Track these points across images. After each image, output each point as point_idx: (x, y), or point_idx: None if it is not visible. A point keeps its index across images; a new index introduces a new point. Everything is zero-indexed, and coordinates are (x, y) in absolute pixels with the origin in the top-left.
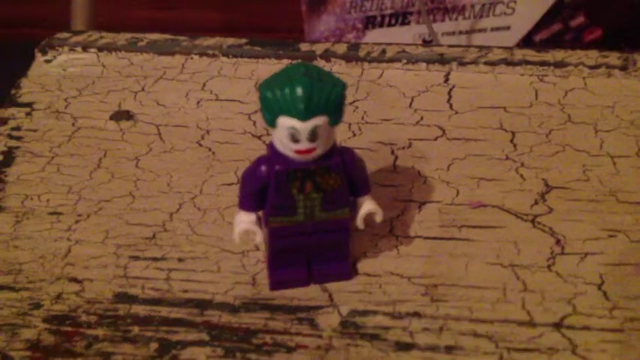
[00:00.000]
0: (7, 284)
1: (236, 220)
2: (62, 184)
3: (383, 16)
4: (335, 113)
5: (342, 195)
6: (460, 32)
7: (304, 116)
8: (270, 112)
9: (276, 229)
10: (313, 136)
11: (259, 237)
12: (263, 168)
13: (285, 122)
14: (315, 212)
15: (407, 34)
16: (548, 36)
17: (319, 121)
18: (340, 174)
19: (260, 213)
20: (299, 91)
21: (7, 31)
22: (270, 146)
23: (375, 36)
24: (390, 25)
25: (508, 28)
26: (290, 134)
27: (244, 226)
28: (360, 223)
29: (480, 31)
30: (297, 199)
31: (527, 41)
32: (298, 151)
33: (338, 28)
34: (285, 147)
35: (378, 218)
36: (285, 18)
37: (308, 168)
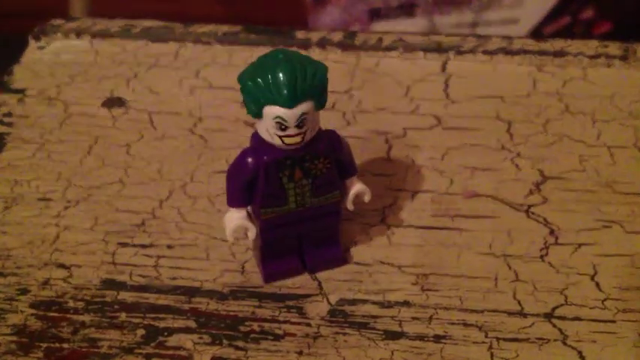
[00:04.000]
0: None
1: (226, 218)
2: (52, 171)
3: (388, 8)
4: (320, 97)
5: (331, 179)
6: (467, 25)
7: (291, 103)
8: (255, 102)
9: (268, 221)
10: (301, 122)
11: (252, 232)
12: (250, 160)
13: (271, 111)
14: (305, 199)
15: (412, 27)
16: (556, 29)
17: (306, 107)
18: (329, 158)
19: (249, 208)
20: (283, 77)
21: (1, 21)
22: (254, 137)
23: (380, 28)
24: (395, 17)
25: (516, 21)
26: (277, 123)
27: (237, 223)
28: (349, 204)
29: (487, 24)
30: (288, 188)
31: (535, 35)
32: (286, 140)
33: (342, 20)
34: (273, 136)
35: (367, 198)
36: (288, 10)
37: (296, 155)
